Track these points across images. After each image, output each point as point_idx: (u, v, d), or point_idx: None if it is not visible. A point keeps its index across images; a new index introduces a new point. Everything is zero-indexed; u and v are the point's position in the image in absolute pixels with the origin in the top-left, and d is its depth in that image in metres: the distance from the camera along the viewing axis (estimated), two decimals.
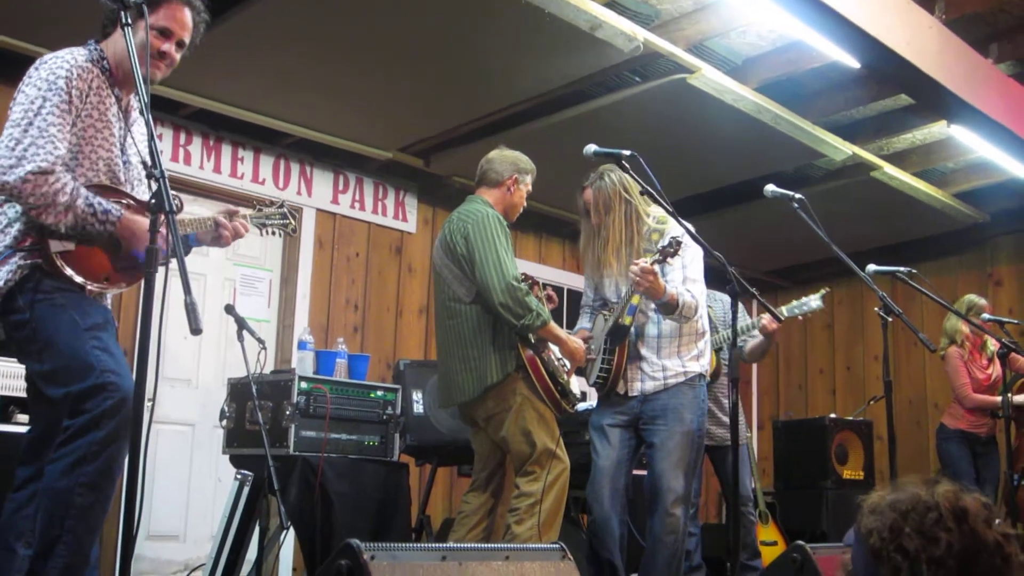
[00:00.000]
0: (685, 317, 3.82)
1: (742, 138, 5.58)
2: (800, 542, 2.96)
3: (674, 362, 3.88)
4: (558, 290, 6.47)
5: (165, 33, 2.77)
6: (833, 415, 6.83)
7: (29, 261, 2.62)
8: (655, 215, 3.95)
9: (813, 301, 4.70)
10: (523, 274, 3.82)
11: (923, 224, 7.25)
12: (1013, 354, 5.33)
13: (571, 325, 4.87)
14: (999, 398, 5.47)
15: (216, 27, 3.41)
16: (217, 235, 2.91)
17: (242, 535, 4.19)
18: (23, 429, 3.05)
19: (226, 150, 5.70)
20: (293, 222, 3.19)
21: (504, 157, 4.04)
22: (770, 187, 3.67)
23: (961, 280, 7.65)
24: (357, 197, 6.27)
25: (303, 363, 4.50)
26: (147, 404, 2.17)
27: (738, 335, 4.69)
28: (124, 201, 2.75)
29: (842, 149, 5.87)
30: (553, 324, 3.78)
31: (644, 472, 4.09)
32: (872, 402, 7.25)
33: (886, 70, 4.70)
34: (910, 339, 7.33)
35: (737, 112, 5.25)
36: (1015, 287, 7.56)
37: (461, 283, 3.84)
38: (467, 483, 4.14)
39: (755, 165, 6.06)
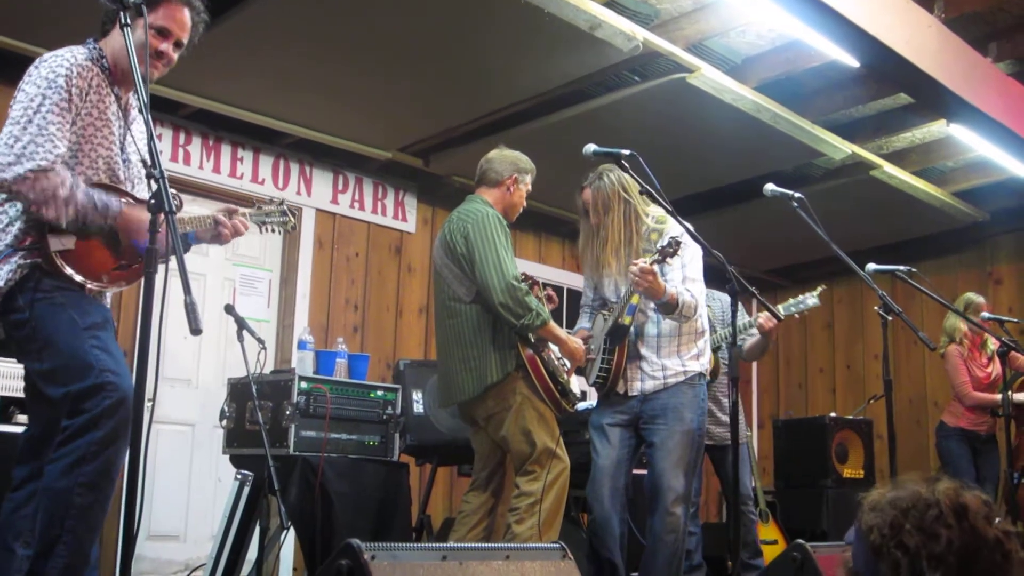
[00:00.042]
0: (685, 316, 3.82)
1: (741, 137, 5.58)
2: (800, 541, 2.96)
3: (674, 361, 3.88)
4: (558, 289, 6.47)
5: (163, 33, 2.77)
6: (833, 414, 6.84)
7: (29, 260, 2.62)
8: (654, 215, 3.95)
9: (810, 299, 4.71)
10: (523, 274, 3.82)
11: (923, 223, 7.26)
12: (1013, 352, 5.33)
13: (571, 325, 4.87)
14: (999, 396, 5.48)
15: (216, 27, 3.41)
16: (216, 233, 2.91)
17: (242, 535, 4.19)
18: (23, 430, 3.04)
19: (225, 150, 5.70)
20: (292, 220, 3.19)
21: (504, 157, 4.04)
22: (770, 186, 3.67)
23: (961, 279, 7.65)
24: (357, 197, 6.27)
25: (303, 363, 4.50)
26: (147, 404, 2.18)
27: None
28: (124, 200, 2.75)
29: (841, 148, 5.87)
30: (553, 324, 3.78)
31: (644, 471, 4.09)
32: (872, 401, 7.26)
33: (885, 69, 4.70)
34: (910, 338, 7.33)
35: (736, 111, 5.25)
36: (1015, 285, 7.57)
37: (461, 283, 3.84)
38: (467, 483, 4.14)
39: (754, 164, 6.06)
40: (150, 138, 2.31)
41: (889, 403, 3.82)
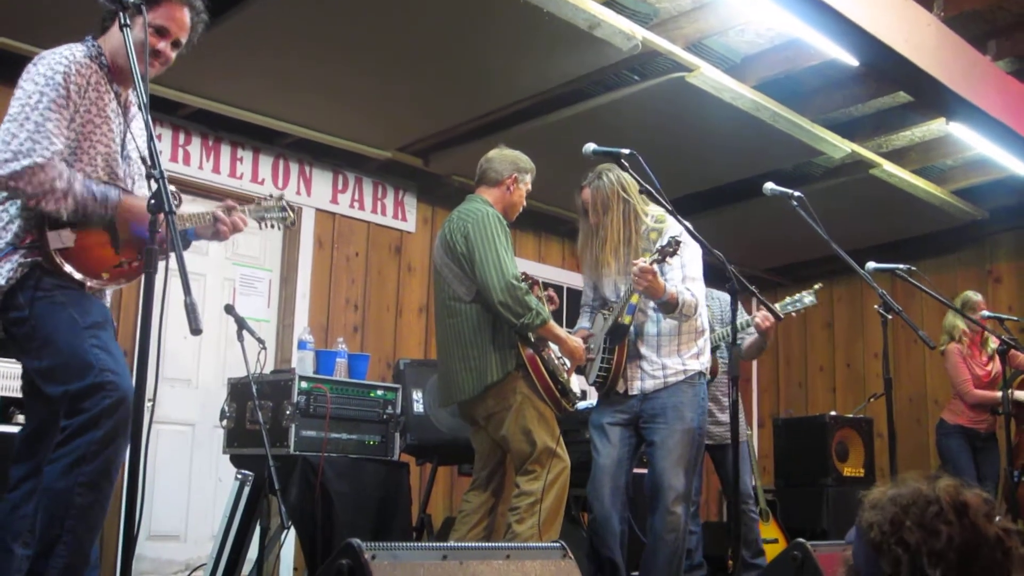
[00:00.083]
0: (685, 315, 3.82)
1: (741, 136, 5.58)
2: (801, 540, 2.96)
3: (674, 360, 3.88)
4: (557, 289, 6.47)
5: (161, 32, 2.77)
6: (833, 412, 6.85)
7: (30, 259, 2.63)
8: (653, 214, 3.95)
9: (807, 297, 4.73)
10: (523, 273, 3.82)
11: (922, 221, 7.26)
12: (1013, 350, 5.33)
13: (571, 324, 4.87)
14: (1000, 394, 5.48)
15: (215, 27, 3.41)
16: (216, 230, 2.91)
17: (243, 535, 4.19)
18: (19, 429, 3.04)
19: (225, 150, 5.70)
20: (292, 215, 3.17)
21: (504, 156, 4.03)
22: (769, 185, 3.67)
23: (960, 277, 7.66)
24: (356, 197, 6.27)
25: (303, 363, 4.50)
26: (147, 404, 2.18)
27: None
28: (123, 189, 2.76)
29: (841, 147, 5.87)
30: (553, 323, 3.78)
31: (645, 470, 4.09)
32: (872, 399, 7.26)
33: (884, 67, 4.70)
34: (910, 336, 7.32)
35: (736, 110, 5.25)
36: (1014, 284, 7.57)
37: (461, 282, 3.84)
38: (467, 482, 4.14)
39: (754, 163, 6.06)
40: (150, 138, 2.31)
41: (889, 402, 3.83)
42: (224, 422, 4.32)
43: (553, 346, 3.88)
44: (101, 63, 2.75)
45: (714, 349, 4.66)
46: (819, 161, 6.31)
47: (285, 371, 4.52)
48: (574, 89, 5.25)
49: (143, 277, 2.20)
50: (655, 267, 3.66)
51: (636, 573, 4.00)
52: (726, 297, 4.55)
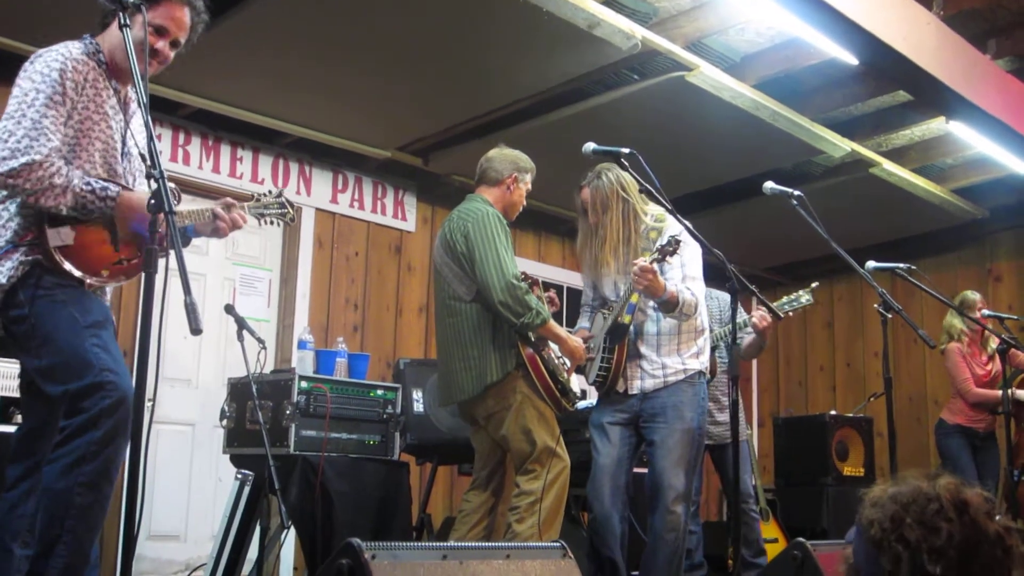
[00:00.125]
0: (685, 315, 3.82)
1: (740, 135, 5.58)
2: (801, 539, 2.96)
3: (674, 360, 3.88)
4: (557, 288, 6.48)
5: (160, 31, 2.77)
6: (833, 412, 6.84)
7: (31, 257, 2.63)
8: (653, 213, 3.94)
9: (803, 296, 4.74)
10: (523, 273, 3.82)
11: (922, 220, 7.26)
12: (1013, 350, 5.33)
13: (571, 324, 4.87)
14: (1000, 392, 5.48)
15: (215, 27, 3.41)
16: (215, 227, 2.91)
17: (243, 535, 4.19)
18: (16, 428, 3.03)
19: (225, 150, 5.70)
20: (292, 211, 3.17)
21: (504, 156, 4.03)
22: (769, 184, 3.67)
23: (960, 276, 7.65)
24: (356, 196, 6.27)
25: (303, 362, 4.50)
26: (147, 404, 2.17)
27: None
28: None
29: (840, 146, 5.87)
30: (553, 323, 3.78)
31: (645, 470, 4.09)
32: (872, 399, 7.26)
33: (884, 66, 4.70)
34: (910, 335, 7.32)
35: (735, 109, 5.25)
36: (1014, 283, 7.57)
37: (461, 281, 3.84)
38: (468, 482, 4.14)
39: (754, 162, 6.06)
40: (149, 138, 2.31)
41: (889, 401, 3.82)
42: (224, 422, 4.32)
43: (553, 346, 3.88)
44: (99, 60, 2.75)
45: (713, 349, 4.66)
46: (819, 160, 6.31)
47: (285, 371, 4.52)
48: (574, 88, 5.25)
49: (143, 277, 2.20)
50: (655, 266, 3.66)
51: (636, 573, 4.00)
52: (725, 297, 4.56)
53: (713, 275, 3.82)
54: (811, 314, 8.08)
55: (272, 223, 3.19)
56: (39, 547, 2.52)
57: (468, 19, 4.44)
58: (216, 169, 5.64)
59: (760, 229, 7.17)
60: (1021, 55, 5.26)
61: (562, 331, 3.85)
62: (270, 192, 3.19)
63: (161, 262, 2.28)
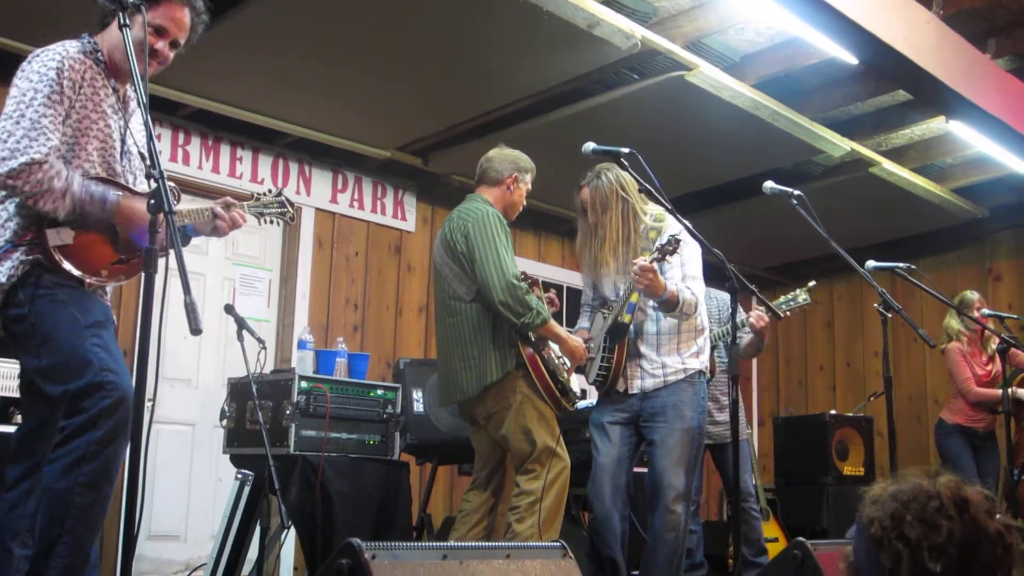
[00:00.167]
0: (685, 314, 3.82)
1: (740, 135, 5.58)
2: (801, 539, 2.96)
3: (674, 359, 3.88)
4: (557, 288, 6.48)
5: (160, 31, 2.76)
6: (833, 411, 6.84)
7: (31, 256, 2.63)
8: (653, 213, 3.94)
9: (801, 296, 4.75)
10: (523, 273, 3.82)
11: (922, 220, 7.26)
12: (1013, 349, 5.33)
13: (571, 324, 4.87)
14: (1001, 391, 5.48)
15: (215, 27, 3.41)
16: (214, 226, 2.91)
17: (243, 535, 4.19)
18: (16, 428, 3.03)
19: (225, 150, 5.70)
20: (291, 210, 3.17)
21: (504, 156, 4.03)
22: (769, 184, 3.68)
23: (960, 276, 7.65)
24: (356, 196, 6.27)
25: (303, 362, 4.50)
26: (147, 404, 2.17)
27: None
28: (121, 193, 2.75)
29: (840, 145, 5.87)
30: (553, 322, 3.78)
31: (645, 469, 4.09)
32: (872, 398, 7.26)
33: (884, 66, 4.70)
34: (910, 335, 7.32)
35: (735, 109, 5.25)
36: (1014, 282, 7.57)
37: (461, 281, 3.84)
38: (468, 482, 4.14)
39: (753, 162, 6.06)
40: (149, 138, 2.31)
41: (889, 400, 3.83)
42: (224, 422, 4.32)
43: (553, 345, 3.88)
44: (97, 59, 2.75)
45: (712, 348, 4.66)
46: (819, 159, 6.31)
47: (285, 371, 4.52)
48: (573, 88, 5.25)
49: (143, 277, 2.20)
50: (655, 266, 3.66)
51: (636, 572, 4.00)
52: (724, 296, 4.56)
53: (713, 275, 3.82)
54: (811, 314, 8.07)
55: (272, 222, 3.19)
56: (39, 547, 2.52)
57: (468, 19, 4.44)
58: (216, 169, 5.64)
59: (760, 229, 7.17)
60: (1021, 54, 5.26)
61: (562, 331, 3.85)
62: (270, 191, 3.18)
63: (161, 262, 2.28)
